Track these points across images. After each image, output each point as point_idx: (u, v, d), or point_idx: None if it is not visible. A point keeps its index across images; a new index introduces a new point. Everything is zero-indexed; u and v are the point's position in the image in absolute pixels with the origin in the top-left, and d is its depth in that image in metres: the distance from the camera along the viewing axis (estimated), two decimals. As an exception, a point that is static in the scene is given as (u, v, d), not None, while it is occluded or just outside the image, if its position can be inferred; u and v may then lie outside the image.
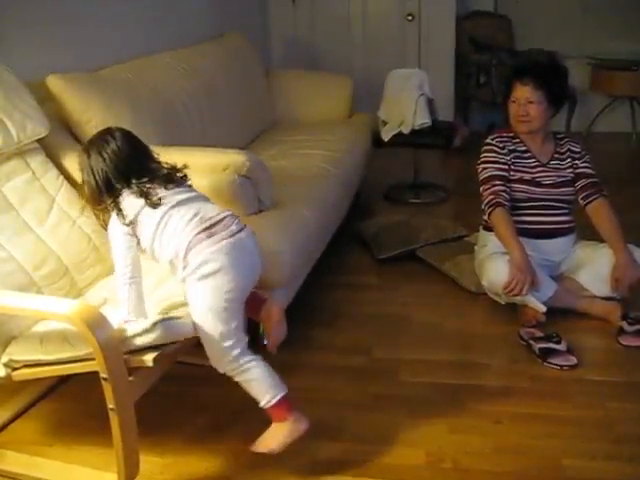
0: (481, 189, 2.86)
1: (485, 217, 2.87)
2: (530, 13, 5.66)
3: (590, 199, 2.83)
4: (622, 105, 5.64)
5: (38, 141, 2.34)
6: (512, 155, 2.85)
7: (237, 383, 1.87)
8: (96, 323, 1.66)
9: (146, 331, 1.71)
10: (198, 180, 2.46)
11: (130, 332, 1.72)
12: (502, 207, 2.76)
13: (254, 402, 2.28)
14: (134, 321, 1.82)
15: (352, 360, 2.54)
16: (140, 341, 1.73)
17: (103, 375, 1.67)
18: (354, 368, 2.49)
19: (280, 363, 2.51)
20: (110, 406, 1.71)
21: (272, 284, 2.47)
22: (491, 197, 2.79)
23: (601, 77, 5.45)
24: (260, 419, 2.20)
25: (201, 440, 2.13)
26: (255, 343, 2.55)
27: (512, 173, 2.83)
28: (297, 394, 2.32)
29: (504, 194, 2.79)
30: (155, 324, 1.72)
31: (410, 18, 5.37)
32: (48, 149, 2.39)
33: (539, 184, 2.83)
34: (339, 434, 2.13)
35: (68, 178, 2.38)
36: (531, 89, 2.77)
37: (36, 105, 2.32)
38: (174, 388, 2.35)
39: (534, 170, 2.84)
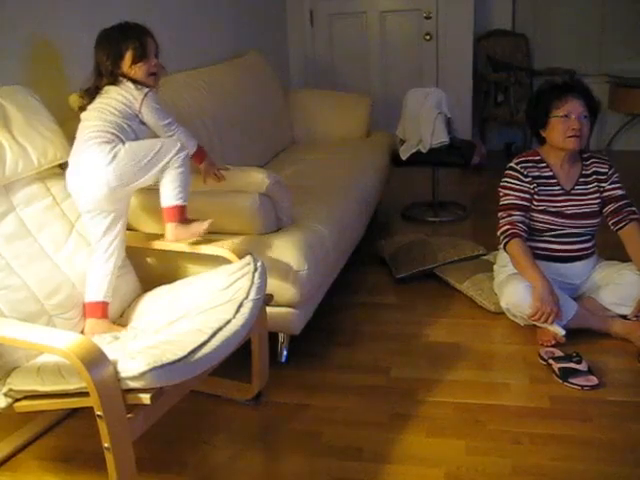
0: (499, 214, 2.81)
1: (500, 246, 2.84)
2: (548, 32, 5.67)
3: (620, 225, 2.77)
4: (641, 123, 5.63)
5: (61, 165, 2.30)
6: (536, 182, 2.76)
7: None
8: (92, 360, 1.59)
9: (136, 378, 1.63)
10: (218, 198, 2.50)
11: (123, 374, 1.64)
12: (519, 238, 2.71)
13: (278, 424, 2.28)
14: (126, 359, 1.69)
15: (371, 379, 2.53)
16: (133, 384, 1.64)
17: (98, 413, 1.60)
18: (373, 387, 2.48)
19: (299, 383, 2.53)
20: (105, 445, 1.62)
21: (291, 302, 2.48)
22: (507, 227, 2.75)
23: (619, 95, 5.44)
24: (282, 440, 2.21)
25: (219, 459, 2.13)
26: (274, 358, 2.59)
27: (536, 203, 2.76)
28: (316, 413, 2.33)
29: (521, 225, 2.74)
30: (144, 373, 1.62)
31: (428, 37, 5.41)
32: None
33: (563, 215, 2.76)
34: (358, 453, 2.12)
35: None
36: (583, 104, 2.68)
37: (59, 130, 2.29)
38: (193, 405, 2.36)
39: (558, 199, 2.76)
